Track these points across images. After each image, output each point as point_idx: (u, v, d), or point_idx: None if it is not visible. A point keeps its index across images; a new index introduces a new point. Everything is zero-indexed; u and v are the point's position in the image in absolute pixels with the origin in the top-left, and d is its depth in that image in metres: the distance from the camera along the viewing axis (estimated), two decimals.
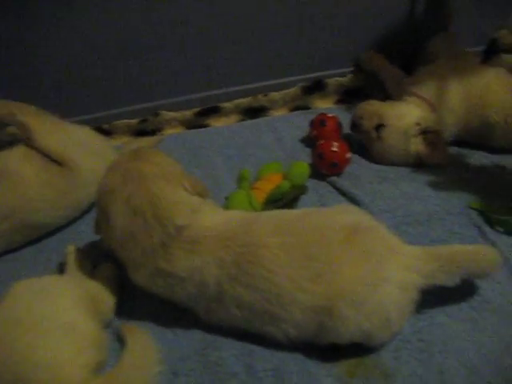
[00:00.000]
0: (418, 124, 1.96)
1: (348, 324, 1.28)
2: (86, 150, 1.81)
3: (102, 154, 1.83)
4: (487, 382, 1.30)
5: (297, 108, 2.39)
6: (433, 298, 1.46)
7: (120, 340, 1.40)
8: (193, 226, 1.38)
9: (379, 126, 1.97)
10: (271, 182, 1.76)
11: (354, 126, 2.03)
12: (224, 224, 1.41)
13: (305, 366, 1.35)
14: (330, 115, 2.08)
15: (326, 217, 1.42)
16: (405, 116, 1.98)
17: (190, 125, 2.32)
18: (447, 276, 1.37)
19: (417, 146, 1.96)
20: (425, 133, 1.96)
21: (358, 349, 1.35)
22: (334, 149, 1.90)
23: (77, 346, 1.26)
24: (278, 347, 1.37)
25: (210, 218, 1.43)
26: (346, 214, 1.42)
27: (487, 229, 1.69)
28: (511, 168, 1.95)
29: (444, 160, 1.95)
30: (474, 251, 1.42)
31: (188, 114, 2.32)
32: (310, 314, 1.30)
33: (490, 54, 2.56)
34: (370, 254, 1.33)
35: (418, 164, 1.98)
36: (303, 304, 1.30)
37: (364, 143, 2.04)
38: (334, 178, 1.92)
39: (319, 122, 2.06)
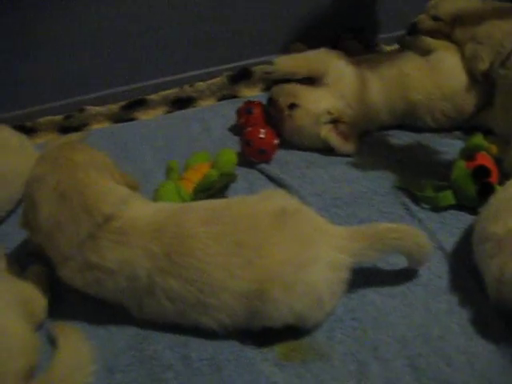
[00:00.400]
0: (329, 112, 1.98)
1: (280, 307, 1.29)
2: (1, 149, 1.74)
3: (20, 152, 1.77)
4: (417, 353, 1.33)
5: (224, 97, 2.37)
6: (364, 276, 1.50)
7: (52, 341, 1.37)
8: (122, 217, 1.36)
9: (292, 105, 1.98)
10: (199, 172, 1.75)
11: (271, 101, 2.04)
12: (153, 215, 1.39)
13: (241, 353, 1.35)
14: (256, 102, 2.09)
15: (253, 203, 1.42)
16: (319, 101, 2.00)
17: (117, 119, 2.27)
18: (375, 253, 1.41)
19: (325, 133, 1.98)
20: (335, 122, 1.98)
21: (293, 332, 1.36)
22: (262, 135, 1.90)
23: (8, 351, 1.22)
24: (213, 336, 1.36)
25: (140, 209, 1.41)
26: (273, 199, 1.42)
27: (414, 207, 1.73)
28: (435, 146, 2.01)
29: (351, 152, 1.99)
30: (399, 229, 1.45)
31: (114, 107, 2.27)
32: (242, 301, 1.30)
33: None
34: (298, 237, 1.34)
35: (328, 149, 2.00)
36: (235, 291, 1.30)
37: (277, 122, 2.04)
38: (263, 165, 1.92)
39: (246, 110, 2.06)
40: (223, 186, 1.75)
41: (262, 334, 1.35)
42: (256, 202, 1.42)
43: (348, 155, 1.98)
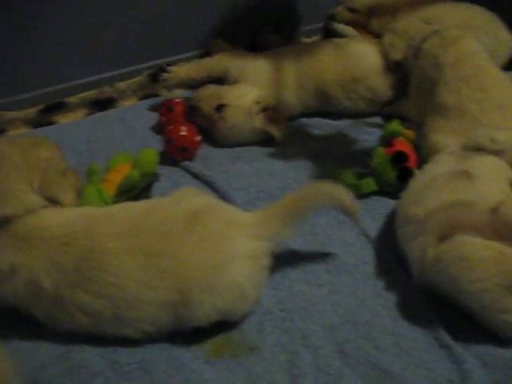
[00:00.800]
0: (258, 102, 2.00)
1: (204, 308, 1.29)
2: None
3: None
4: (346, 339, 1.35)
5: (146, 96, 2.34)
6: (292, 267, 1.51)
7: None
8: (24, 224, 1.32)
9: (220, 106, 1.98)
10: (121, 173, 1.71)
11: (193, 110, 2.02)
12: (64, 227, 1.35)
13: (171, 353, 1.33)
14: (177, 100, 2.06)
15: (165, 208, 1.40)
16: (245, 95, 2.02)
17: (35, 123, 2.19)
18: (291, 227, 1.42)
19: (261, 122, 1.99)
20: (265, 110, 2.00)
21: (223, 327, 1.36)
22: (183, 133, 1.88)
23: None
24: (142, 339, 1.33)
25: (50, 219, 1.36)
26: (183, 201, 1.40)
27: None
28: (356, 135, 2.05)
29: (282, 133, 2.01)
30: (304, 195, 1.47)
31: (31, 112, 2.19)
32: (164, 309, 1.29)
33: (329, 29, 2.67)
34: (211, 235, 1.33)
35: (265, 140, 2.02)
36: (155, 302, 1.28)
37: (207, 128, 2.03)
38: (186, 163, 1.90)
39: (166, 108, 2.04)
40: (146, 185, 1.72)
41: (192, 332, 1.34)
42: (168, 207, 1.40)
43: (277, 143, 2.01)
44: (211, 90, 2.05)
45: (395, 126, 1.79)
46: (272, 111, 2.00)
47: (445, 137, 1.75)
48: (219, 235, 1.34)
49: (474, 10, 2.50)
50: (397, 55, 2.11)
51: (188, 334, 1.34)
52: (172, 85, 2.19)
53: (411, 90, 2.07)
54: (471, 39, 2.00)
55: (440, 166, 1.54)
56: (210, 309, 1.29)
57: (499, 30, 2.41)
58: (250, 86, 2.06)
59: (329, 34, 2.67)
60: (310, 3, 2.69)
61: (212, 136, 2.02)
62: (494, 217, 1.33)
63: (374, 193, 1.75)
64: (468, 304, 1.32)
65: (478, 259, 1.27)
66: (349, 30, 2.49)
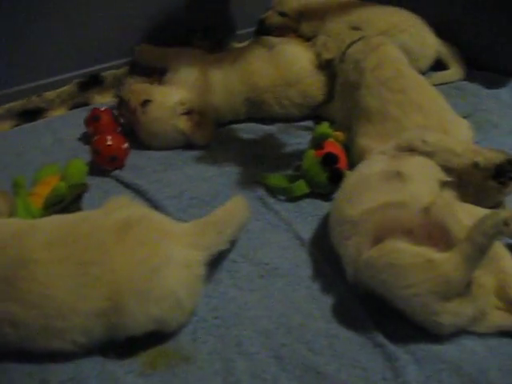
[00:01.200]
0: (182, 103, 2.00)
1: (138, 317, 1.26)
2: None
3: None
4: (281, 343, 1.34)
5: (76, 106, 2.30)
6: (225, 274, 1.50)
7: None
8: None
9: (145, 102, 1.97)
10: (48, 186, 1.66)
11: (121, 103, 2.02)
12: None
13: (103, 368, 1.29)
14: (103, 109, 2.03)
15: (96, 219, 1.38)
16: (171, 94, 2.02)
17: None
18: (227, 239, 1.45)
19: (182, 124, 1.99)
20: (190, 113, 2.00)
21: (157, 338, 1.33)
22: (109, 142, 1.85)
23: None
24: (73, 355, 1.29)
25: None
26: (115, 212, 1.38)
27: (270, 199, 1.76)
28: (287, 138, 2.06)
29: (207, 139, 2.02)
30: (230, 205, 1.52)
31: None
32: (97, 319, 1.26)
33: (261, 33, 2.68)
34: (144, 243, 1.32)
35: (184, 144, 2.02)
36: (87, 312, 1.25)
37: (132, 123, 2.02)
38: (117, 172, 1.87)
39: (92, 118, 2.00)
40: (75, 197, 1.68)
41: (126, 344, 1.31)
42: (99, 217, 1.38)
43: (203, 147, 2.01)
44: (142, 85, 2.05)
45: (324, 128, 1.80)
46: (197, 115, 2.00)
47: (371, 141, 1.77)
48: (153, 243, 1.32)
49: (401, 14, 2.56)
50: (328, 55, 2.16)
51: (121, 347, 1.31)
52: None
53: (337, 94, 2.10)
54: (392, 46, 2.05)
55: (373, 166, 1.55)
56: (144, 317, 1.27)
57: (425, 33, 2.48)
58: (179, 86, 2.06)
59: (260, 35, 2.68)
60: (240, 8, 2.70)
61: (137, 136, 2.01)
62: (425, 217, 1.35)
63: (307, 195, 1.76)
64: (400, 307, 1.33)
65: (407, 266, 1.28)
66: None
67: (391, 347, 1.32)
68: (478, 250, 1.24)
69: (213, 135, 2.03)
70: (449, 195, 1.47)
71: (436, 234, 1.33)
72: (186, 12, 2.52)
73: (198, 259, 1.37)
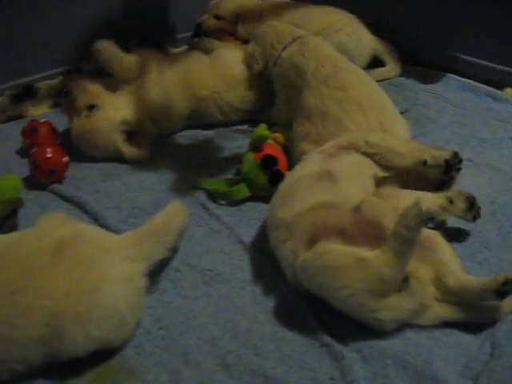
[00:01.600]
0: (127, 122, 1.97)
1: (79, 340, 1.23)
2: None
3: None
4: (227, 350, 1.33)
5: (10, 119, 2.22)
6: (167, 282, 1.47)
7: None
8: None
9: (92, 107, 1.94)
10: None
11: (68, 95, 1.97)
12: None
13: None
14: (41, 121, 1.98)
15: (29, 242, 1.32)
16: (119, 109, 1.99)
17: None
18: (166, 248, 1.43)
19: (120, 142, 1.95)
20: (131, 133, 1.97)
21: (101, 355, 1.29)
22: (48, 155, 1.80)
23: None
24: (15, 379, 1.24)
25: None
26: (49, 233, 1.34)
27: (211, 204, 1.75)
28: (227, 142, 2.06)
29: (143, 159, 1.97)
30: (167, 212, 1.50)
31: None
32: (34, 346, 1.22)
33: (198, 37, 2.67)
34: (80, 262, 1.28)
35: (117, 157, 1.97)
36: (23, 340, 1.21)
37: (69, 115, 1.99)
38: (55, 185, 1.82)
39: (30, 130, 1.95)
40: (10, 213, 1.63)
41: (69, 363, 1.26)
42: (32, 240, 1.33)
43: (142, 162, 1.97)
44: (95, 86, 1.99)
45: (262, 130, 1.79)
46: (138, 135, 1.97)
47: (310, 142, 1.78)
48: (89, 261, 1.29)
49: (336, 13, 2.58)
50: (257, 66, 2.13)
51: (65, 365, 1.27)
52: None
53: (277, 97, 2.10)
54: (327, 45, 2.07)
55: (306, 167, 1.56)
56: (86, 339, 1.23)
57: (360, 32, 2.51)
58: (128, 101, 2.01)
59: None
60: (177, 12, 2.67)
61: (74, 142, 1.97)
62: (357, 216, 1.36)
63: (248, 199, 1.76)
64: (339, 307, 1.33)
65: (340, 267, 1.28)
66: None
67: (337, 346, 1.32)
68: (405, 244, 1.25)
69: (149, 154, 1.98)
70: (387, 190, 1.48)
71: (369, 232, 1.34)
72: (123, 19, 2.48)
73: (138, 271, 1.34)
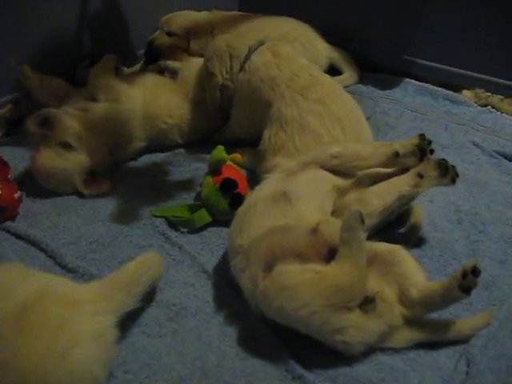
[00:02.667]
0: (89, 166, 1.87)
1: None
2: None
3: None
4: None
5: None
6: (131, 321, 1.41)
7: None
8: None
9: (66, 145, 1.85)
10: None
11: (46, 122, 1.85)
12: None
13: None
14: None
15: None
16: (87, 152, 1.89)
17: None
18: (137, 298, 1.34)
19: (80, 184, 1.86)
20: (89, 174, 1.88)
21: None
22: None
23: None
24: None
25: None
26: (10, 293, 1.23)
27: (172, 233, 1.69)
28: (185, 166, 2.00)
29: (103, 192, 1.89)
30: (141, 261, 1.40)
31: None
32: None
33: (150, 55, 2.61)
34: (47, 327, 1.19)
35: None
36: None
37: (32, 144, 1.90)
38: (8, 223, 1.73)
39: None
40: None
41: None
42: None
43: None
44: (75, 124, 1.89)
45: (219, 152, 1.74)
46: (99, 175, 1.90)
47: (285, 155, 1.72)
48: (57, 322, 1.20)
49: (290, 23, 2.55)
50: (217, 80, 2.03)
51: None
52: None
53: (238, 108, 2.02)
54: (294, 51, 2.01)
55: (263, 189, 1.51)
56: None
57: (315, 41, 2.48)
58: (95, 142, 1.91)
59: (150, 58, 2.61)
60: (126, 32, 2.60)
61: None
62: (314, 238, 1.33)
63: (210, 224, 1.70)
64: (304, 332, 1.29)
65: (297, 285, 1.24)
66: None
67: (310, 376, 1.28)
68: (353, 246, 1.24)
69: (109, 187, 1.90)
70: (355, 195, 1.45)
71: (327, 254, 1.31)
72: (73, 40, 2.40)
73: (109, 324, 1.26)
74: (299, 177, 1.50)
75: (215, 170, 1.72)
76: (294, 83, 1.84)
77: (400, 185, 1.47)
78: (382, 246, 1.39)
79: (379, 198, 1.45)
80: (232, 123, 2.06)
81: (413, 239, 1.64)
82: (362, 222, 1.25)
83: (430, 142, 1.52)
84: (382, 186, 1.48)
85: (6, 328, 1.16)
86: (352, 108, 1.83)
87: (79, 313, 1.24)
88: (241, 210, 1.50)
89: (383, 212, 1.47)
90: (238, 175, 1.74)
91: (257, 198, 1.47)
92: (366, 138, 1.74)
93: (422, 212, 1.70)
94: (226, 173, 1.71)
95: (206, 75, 2.08)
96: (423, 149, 1.51)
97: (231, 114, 2.05)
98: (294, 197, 1.42)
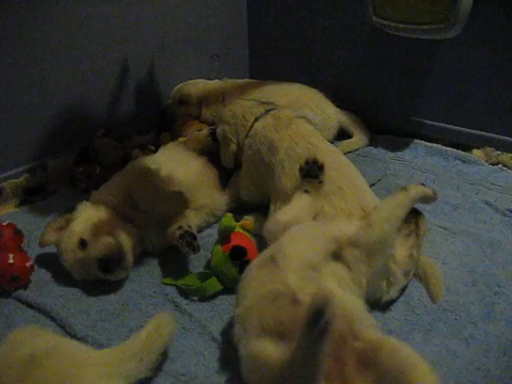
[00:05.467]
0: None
1: None
2: None
3: None
4: None
5: None
6: None
7: None
8: None
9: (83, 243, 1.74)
10: None
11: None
12: None
13: None
14: (4, 224, 1.90)
15: None
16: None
17: None
18: (147, 365, 1.32)
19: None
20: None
21: None
22: (11, 261, 1.72)
23: None
24: None
25: None
26: (19, 347, 1.24)
27: (182, 301, 1.67)
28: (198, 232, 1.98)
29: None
30: (153, 325, 1.38)
31: None
32: None
33: (163, 123, 2.67)
34: (54, 378, 1.18)
35: None
36: None
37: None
38: (20, 291, 1.74)
39: None
40: None
41: None
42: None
43: None
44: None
45: (228, 220, 1.74)
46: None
47: None
48: (64, 377, 1.19)
49: (300, 89, 2.62)
50: (233, 146, 2.06)
51: None
52: None
53: (244, 173, 2.04)
54: (301, 119, 2.00)
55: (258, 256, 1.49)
56: None
57: (325, 105, 2.53)
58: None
59: (163, 126, 2.67)
60: (141, 100, 2.68)
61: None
62: (294, 309, 1.25)
63: (220, 292, 1.68)
64: None
65: (259, 368, 1.20)
66: None
67: None
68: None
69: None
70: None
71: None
72: (88, 111, 2.48)
73: None
74: (284, 236, 1.48)
75: (224, 237, 1.72)
76: (293, 151, 1.85)
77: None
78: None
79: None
80: (240, 187, 2.07)
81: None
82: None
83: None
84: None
85: (11, 376, 1.17)
86: (353, 175, 1.81)
87: (88, 373, 1.23)
88: (243, 278, 1.46)
89: None
90: (248, 242, 1.72)
91: (251, 265, 1.45)
92: (370, 205, 1.70)
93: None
94: (235, 240, 1.70)
95: (222, 140, 2.10)
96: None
97: (239, 178, 2.07)
98: (281, 258, 1.37)
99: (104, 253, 1.69)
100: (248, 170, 2.02)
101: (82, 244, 1.72)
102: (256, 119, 2.02)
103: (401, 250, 1.61)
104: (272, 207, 1.84)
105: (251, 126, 2.02)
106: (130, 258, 1.75)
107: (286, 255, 1.37)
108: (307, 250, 1.40)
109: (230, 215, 1.76)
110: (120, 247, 1.72)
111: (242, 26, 3.06)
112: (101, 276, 1.71)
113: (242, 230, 1.77)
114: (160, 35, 2.64)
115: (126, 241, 1.76)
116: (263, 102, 2.14)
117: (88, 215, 1.80)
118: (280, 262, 1.35)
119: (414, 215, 1.66)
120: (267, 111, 2.04)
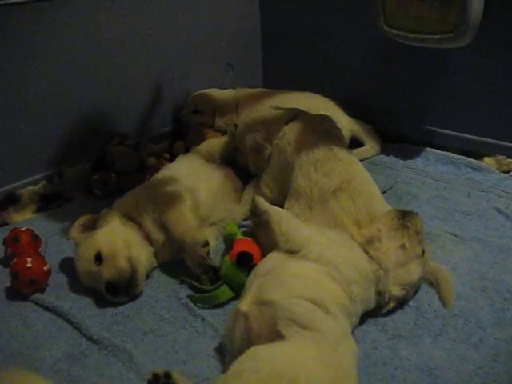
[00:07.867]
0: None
1: None
2: None
3: None
4: None
5: None
6: None
7: None
8: None
9: (99, 258, 1.75)
10: None
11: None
12: None
13: None
14: (23, 229, 1.94)
15: None
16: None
17: None
18: None
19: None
20: None
21: None
22: (29, 265, 1.76)
23: None
24: None
25: None
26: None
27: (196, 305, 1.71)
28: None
29: None
30: None
31: None
32: None
33: (178, 132, 2.71)
34: None
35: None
36: None
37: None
38: (37, 295, 1.77)
39: (12, 239, 1.91)
40: None
41: None
42: None
43: None
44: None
45: (230, 227, 1.77)
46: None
47: None
48: None
49: (312, 97, 2.65)
50: (266, 151, 2.11)
51: None
52: None
53: (268, 172, 2.11)
54: (331, 123, 2.10)
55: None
56: None
57: (337, 114, 2.55)
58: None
59: (177, 135, 2.71)
60: (156, 108, 2.72)
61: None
62: (244, 326, 1.40)
63: (234, 298, 1.70)
64: None
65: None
66: None
67: None
68: None
69: None
70: None
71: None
72: (103, 119, 2.52)
73: None
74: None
75: (229, 245, 1.75)
76: (313, 154, 1.92)
77: None
78: None
79: None
80: (261, 185, 2.12)
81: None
82: None
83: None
84: None
85: None
86: (364, 180, 1.88)
87: None
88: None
89: None
90: (253, 247, 1.72)
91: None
92: (378, 212, 1.75)
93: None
94: (240, 246, 1.71)
95: (252, 148, 2.15)
96: None
97: (262, 177, 2.14)
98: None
99: (115, 278, 1.70)
100: (271, 170, 2.10)
101: (98, 258, 1.74)
102: (286, 122, 2.11)
103: (389, 243, 1.62)
104: (286, 204, 1.91)
105: (282, 128, 2.10)
106: (139, 287, 1.74)
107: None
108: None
109: (232, 222, 1.80)
110: (133, 277, 1.73)
111: (256, 36, 3.10)
112: (105, 295, 1.73)
113: (242, 236, 1.78)
114: (175, 45, 2.69)
115: (141, 268, 1.76)
116: (290, 108, 2.23)
117: (113, 228, 1.81)
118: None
119: (401, 215, 1.69)
120: (296, 115, 2.13)
